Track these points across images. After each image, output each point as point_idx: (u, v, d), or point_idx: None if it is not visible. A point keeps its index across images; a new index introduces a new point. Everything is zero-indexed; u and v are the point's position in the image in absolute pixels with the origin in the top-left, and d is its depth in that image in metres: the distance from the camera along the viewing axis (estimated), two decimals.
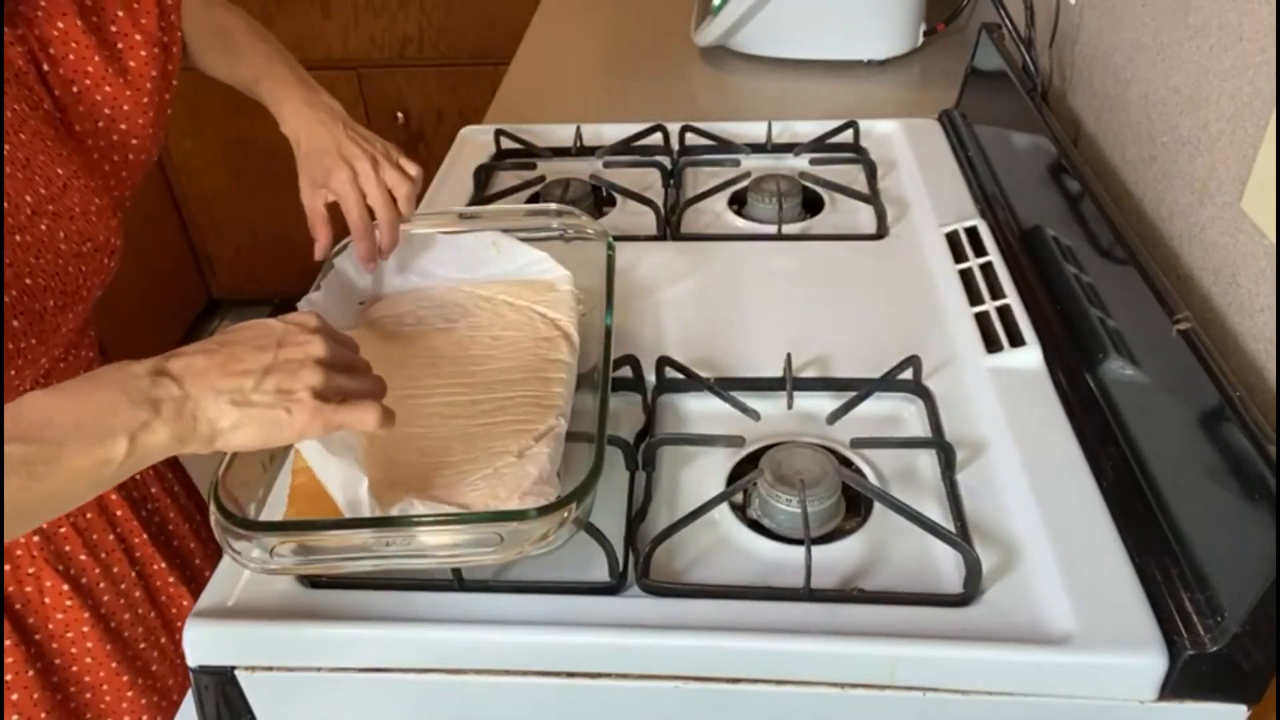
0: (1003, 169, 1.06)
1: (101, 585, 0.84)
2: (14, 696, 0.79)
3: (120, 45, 0.81)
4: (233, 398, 0.55)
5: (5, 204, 0.71)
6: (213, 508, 0.62)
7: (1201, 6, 0.81)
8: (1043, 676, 0.62)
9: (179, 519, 0.94)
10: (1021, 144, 1.04)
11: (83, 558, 0.83)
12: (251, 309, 2.75)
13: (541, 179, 1.13)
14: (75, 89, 0.79)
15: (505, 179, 1.17)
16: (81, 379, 0.55)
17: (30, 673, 0.80)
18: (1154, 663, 0.60)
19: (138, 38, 0.82)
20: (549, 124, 1.26)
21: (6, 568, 0.79)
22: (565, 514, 0.61)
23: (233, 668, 0.67)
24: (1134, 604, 0.63)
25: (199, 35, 0.90)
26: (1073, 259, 0.87)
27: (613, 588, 0.67)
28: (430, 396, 0.76)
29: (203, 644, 0.67)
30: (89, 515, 0.83)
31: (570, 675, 0.65)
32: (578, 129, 1.22)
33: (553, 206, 0.96)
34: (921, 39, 1.50)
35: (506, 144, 1.21)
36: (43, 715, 0.81)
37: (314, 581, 0.68)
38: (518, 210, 1.04)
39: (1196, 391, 0.66)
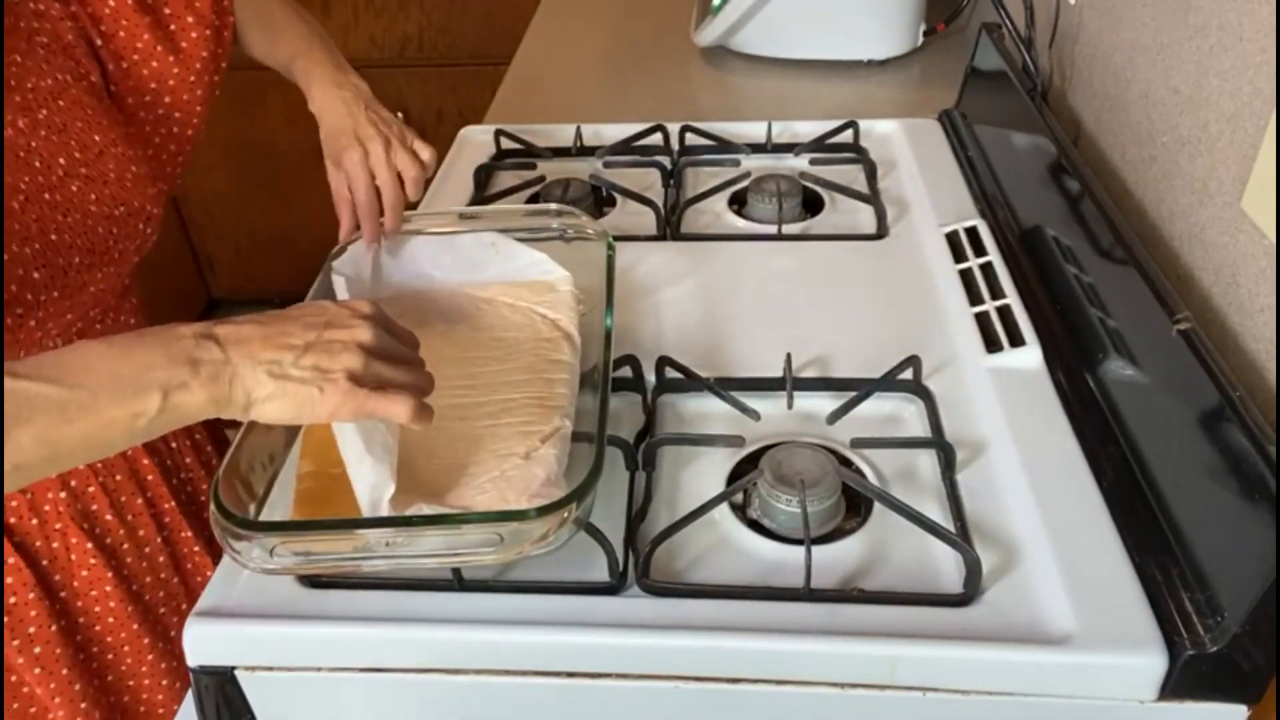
0: (1003, 169, 1.06)
1: (125, 547, 0.86)
2: (37, 650, 0.81)
3: (173, 26, 0.86)
4: (270, 369, 0.56)
5: (38, 164, 0.75)
6: (213, 507, 0.62)
7: (1201, 6, 0.81)
8: (1043, 676, 0.62)
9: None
10: (1021, 144, 1.04)
11: (109, 518, 0.84)
12: (251, 309, 2.74)
13: (541, 179, 1.13)
14: (125, 64, 0.84)
15: (505, 179, 1.17)
16: (131, 334, 0.56)
17: (54, 628, 0.81)
18: (1154, 663, 0.60)
19: (190, 19, 0.86)
20: (549, 124, 1.26)
21: (34, 522, 0.80)
22: (565, 514, 0.61)
23: (233, 668, 0.67)
24: (1134, 604, 0.63)
25: (246, 18, 0.92)
26: (1073, 259, 0.87)
27: (613, 588, 0.67)
28: (435, 399, 0.76)
29: (203, 644, 0.67)
30: (119, 478, 0.85)
31: (570, 675, 0.65)
32: (578, 129, 1.22)
33: (553, 206, 0.96)
34: (921, 39, 1.50)
35: (506, 144, 1.21)
36: (64, 670, 0.82)
37: (314, 581, 0.68)
38: (518, 210, 1.04)
39: (1196, 391, 0.66)
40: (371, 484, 0.64)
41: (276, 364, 0.57)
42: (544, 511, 0.61)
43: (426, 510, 0.64)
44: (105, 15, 0.82)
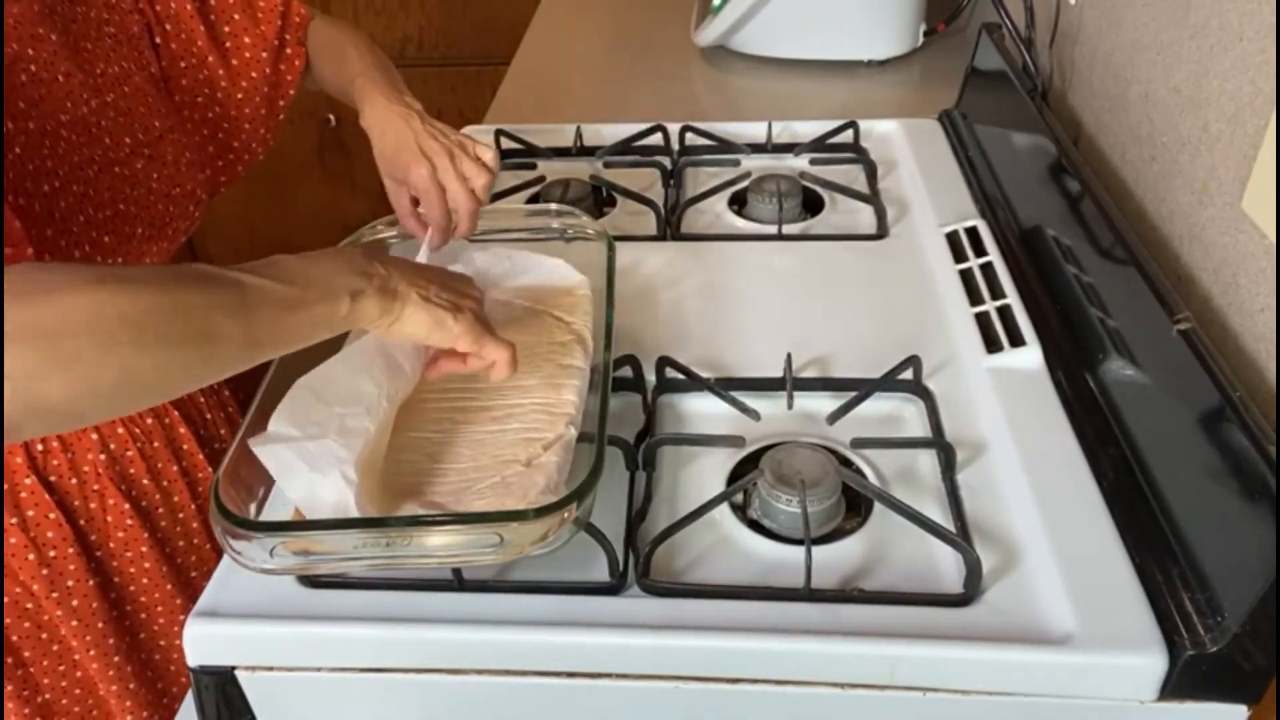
0: (1003, 169, 1.06)
1: (161, 510, 0.90)
2: (75, 603, 0.84)
3: (229, 44, 0.93)
4: (419, 291, 0.66)
5: (108, 140, 0.81)
6: (213, 507, 0.62)
7: (1201, 6, 0.81)
8: (1043, 676, 0.62)
9: None
10: (1021, 144, 1.04)
11: (145, 482, 0.88)
12: None
13: (541, 179, 1.13)
14: (182, 64, 0.91)
15: (505, 179, 1.17)
16: (314, 251, 0.65)
17: (91, 582, 0.85)
18: (1154, 663, 0.60)
19: (247, 39, 0.94)
20: (549, 124, 1.25)
21: (74, 481, 0.84)
22: (565, 514, 0.61)
23: (233, 668, 0.67)
24: (1134, 604, 0.63)
25: (318, 47, 0.98)
26: (1073, 259, 0.87)
27: (613, 588, 0.67)
28: (441, 401, 0.76)
29: (203, 644, 0.67)
30: (156, 444, 0.89)
31: (570, 675, 0.65)
32: (578, 129, 1.22)
33: (553, 206, 0.96)
34: (921, 39, 1.50)
35: (506, 144, 1.21)
36: (100, 624, 0.86)
37: (314, 581, 0.68)
38: (518, 210, 1.04)
39: (1196, 391, 0.66)
40: (332, 505, 0.63)
41: (423, 289, 0.66)
42: (543, 512, 0.61)
43: (422, 512, 0.64)
44: (169, 16, 0.89)
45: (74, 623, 0.84)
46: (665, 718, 0.67)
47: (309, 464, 0.63)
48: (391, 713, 0.69)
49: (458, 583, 0.68)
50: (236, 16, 0.93)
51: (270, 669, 0.67)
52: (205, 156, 0.92)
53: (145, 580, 0.88)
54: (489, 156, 0.87)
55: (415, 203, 0.86)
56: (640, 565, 0.67)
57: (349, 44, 0.96)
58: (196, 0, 0.91)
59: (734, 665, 0.64)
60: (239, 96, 0.94)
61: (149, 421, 0.88)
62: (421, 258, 0.85)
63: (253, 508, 0.68)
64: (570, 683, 0.65)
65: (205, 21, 0.91)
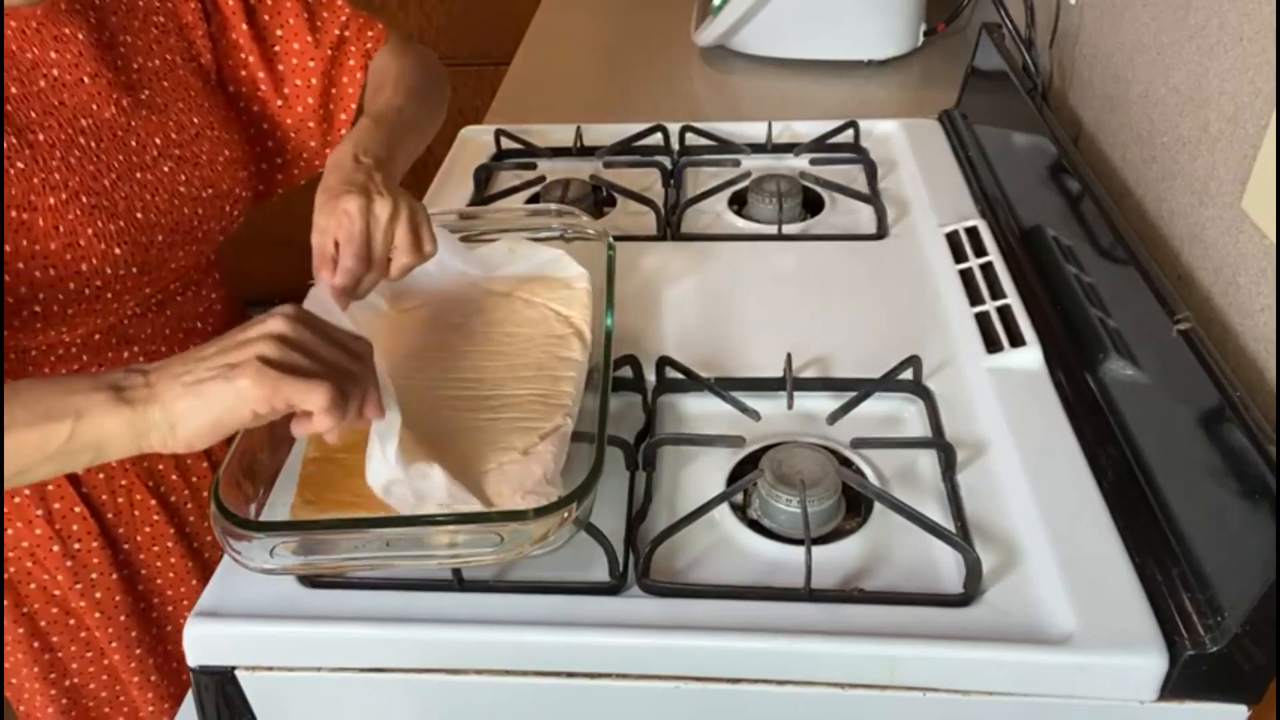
0: (1003, 169, 1.06)
1: (189, 506, 0.90)
2: (98, 595, 0.86)
3: (278, 49, 0.91)
4: (182, 379, 0.57)
5: (134, 143, 0.79)
6: (213, 507, 0.62)
7: (1201, 6, 0.81)
8: (1043, 676, 0.62)
9: None
10: (1021, 144, 1.04)
11: (174, 478, 0.89)
12: (251, 309, 2.75)
13: (542, 179, 1.13)
14: (229, 61, 0.89)
15: (505, 179, 1.17)
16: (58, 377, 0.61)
17: (115, 575, 0.86)
18: (1154, 663, 0.60)
19: (295, 46, 0.91)
20: (549, 124, 1.26)
21: (100, 477, 0.85)
22: (565, 514, 0.61)
23: (233, 668, 0.67)
24: (1134, 604, 0.63)
25: (373, 74, 0.94)
26: (1073, 259, 0.87)
27: (613, 588, 0.67)
28: (439, 389, 0.76)
29: (203, 644, 0.67)
30: None
31: (570, 675, 0.65)
32: (578, 129, 1.22)
33: (553, 206, 0.96)
34: (921, 39, 1.50)
35: (506, 144, 1.21)
36: (123, 617, 0.87)
37: (314, 581, 0.68)
38: (518, 210, 1.04)
39: (1196, 391, 0.66)
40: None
41: (188, 372, 0.57)
42: (544, 511, 0.61)
43: (436, 472, 0.63)
44: (216, 8, 0.87)
45: (97, 614, 0.85)
46: (665, 718, 0.67)
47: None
48: (392, 713, 0.69)
49: (458, 583, 0.68)
50: (291, 21, 0.91)
51: (270, 669, 0.67)
52: (248, 155, 0.89)
53: (171, 574, 0.89)
54: (428, 243, 0.75)
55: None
56: (640, 565, 0.67)
57: (390, 81, 0.90)
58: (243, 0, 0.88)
59: (734, 665, 0.64)
60: (279, 104, 0.92)
61: None
62: (314, 303, 0.71)
63: (253, 508, 0.68)
64: (570, 683, 0.65)
65: (250, 20, 0.89)
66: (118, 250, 0.76)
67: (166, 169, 0.81)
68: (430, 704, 0.68)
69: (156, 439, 0.57)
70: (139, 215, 0.78)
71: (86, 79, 0.77)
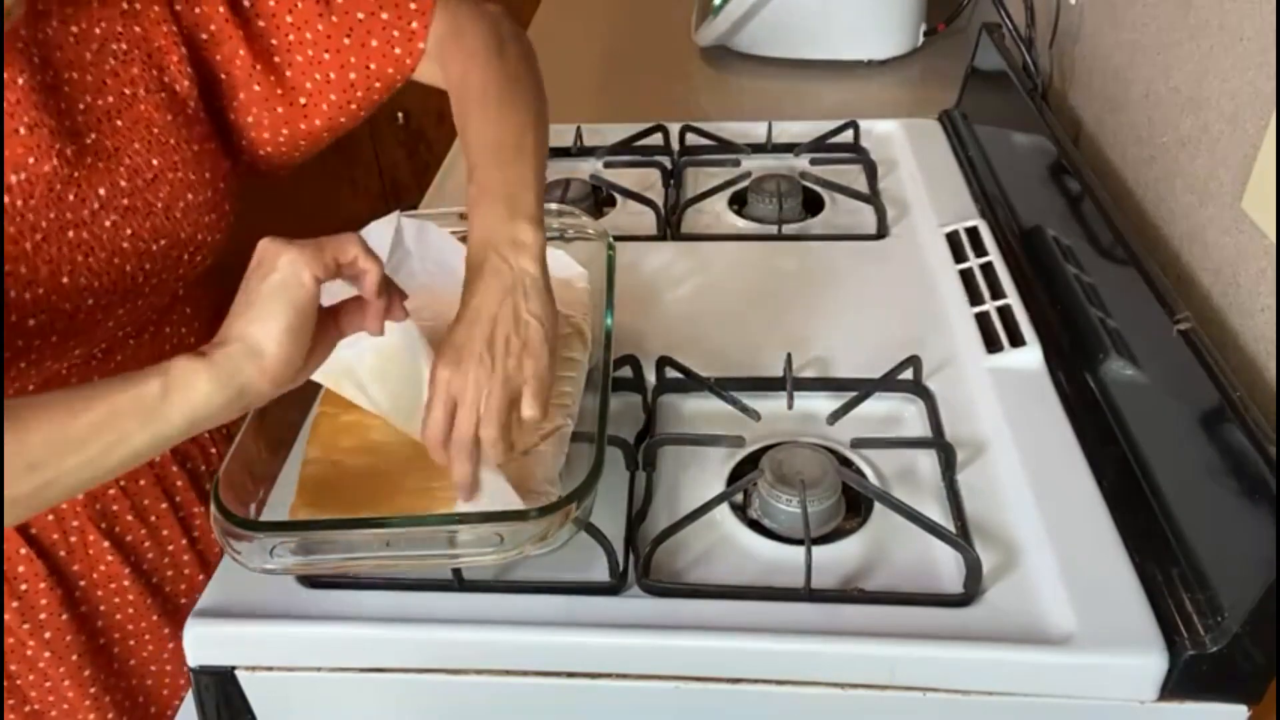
0: (1003, 169, 1.06)
1: (146, 545, 0.86)
2: (48, 635, 0.81)
3: (277, 51, 0.80)
4: (236, 310, 0.57)
5: (72, 197, 0.70)
6: (213, 507, 0.62)
7: (1201, 6, 0.81)
8: (1043, 676, 0.62)
9: None
10: (1022, 144, 1.04)
11: (129, 518, 0.84)
12: None
13: None
14: (221, 77, 0.79)
15: None
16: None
17: (64, 616, 0.82)
18: (1154, 663, 0.60)
19: (308, 35, 0.80)
20: (549, 124, 1.25)
21: (49, 518, 0.80)
22: (565, 514, 0.61)
23: (233, 668, 0.67)
24: (1134, 604, 0.63)
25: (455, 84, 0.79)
26: (1073, 259, 0.87)
27: (613, 588, 0.67)
28: None
29: (203, 644, 0.67)
30: (142, 482, 0.84)
31: (570, 675, 0.65)
32: (578, 129, 1.22)
33: (553, 206, 0.95)
34: (921, 39, 1.50)
35: None
36: (75, 656, 0.83)
37: (314, 581, 0.68)
38: None
39: (1196, 391, 0.66)
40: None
41: (236, 305, 0.57)
42: (544, 511, 0.61)
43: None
44: (206, 21, 0.78)
45: (48, 654, 0.82)
46: (665, 718, 0.67)
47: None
48: (391, 713, 0.69)
49: (458, 583, 0.68)
50: (300, 5, 0.79)
51: (270, 669, 0.67)
52: (220, 194, 0.79)
53: (131, 610, 0.85)
54: (530, 411, 0.64)
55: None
56: (640, 565, 0.67)
57: (471, 95, 0.76)
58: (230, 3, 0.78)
59: (734, 665, 0.64)
60: (293, 110, 0.82)
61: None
62: (379, 238, 0.74)
63: (253, 508, 0.68)
64: (570, 683, 0.65)
65: (247, 32, 0.79)
66: (31, 322, 0.68)
67: (109, 223, 0.72)
68: (430, 704, 0.68)
69: (252, 375, 0.55)
70: (64, 280, 0.70)
71: (23, 129, 0.68)
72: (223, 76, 0.80)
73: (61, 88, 0.71)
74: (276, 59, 0.81)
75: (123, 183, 0.73)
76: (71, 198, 0.70)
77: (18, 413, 0.52)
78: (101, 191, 0.72)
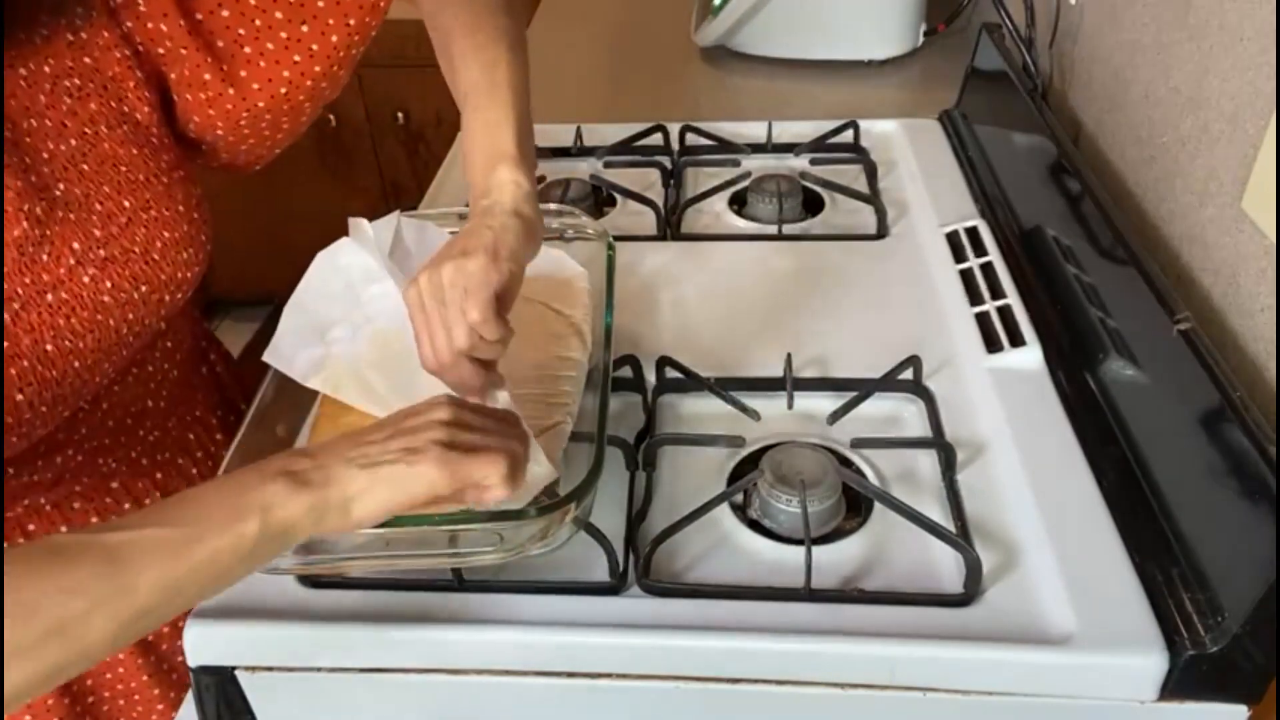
0: (1003, 169, 1.06)
1: None
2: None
3: (243, 72, 0.75)
4: (360, 462, 0.56)
5: (45, 257, 0.66)
6: None
7: (1201, 6, 0.81)
8: (1043, 676, 0.62)
9: None
10: (1022, 144, 1.04)
11: None
12: (251, 309, 2.75)
13: (542, 179, 1.13)
14: (188, 96, 0.75)
15: None
16: (218, 479, 0.56)
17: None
18: (1154, 663, 0.60)
19: (254, 52, 0.74)
20: (549, 124, 1.25)
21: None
22: (565, 514, 0.61)
23: (233, 668, 0.67)
24: (1134, 604, 0.63)
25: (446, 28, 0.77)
26: (1073, 259, 0.87)
27: (613, 588, 0.67)
28: (439, 388, 0.76)
29: (203, 644, 0.67)
30: (127, 506, 0.81)
31: (570, 675, 0.65)
32: (578, 129, 1.22)
33: (553, 206, 0.95)
34: (921, 39, 1.50)
35: None
36: (50, 701, 0.80)
37: (314, 581, 0.68)
38: None
39: (1196, 391, 0.66)
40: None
41: (364, 456, 0.56)
42: (543, 511, 0.61)
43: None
44: (158, 36, 0.72)
45: (27, 717, 0.79)
46: (665, 718, 0.67)
47: None
48: (391, 713, 0.69)
49: (458, 583, 0.68)
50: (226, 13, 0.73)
51: (270, 669, 0.67)
52: (196, 227, 0.76)
53: (121, 670, 0.83)
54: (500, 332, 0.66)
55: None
56: (640, 565, 0.67)
57: (454, 34, 0.75)
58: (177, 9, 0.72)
59: (734, 665, 0.64)
60: (241, 121, 0.77)
61: (125, 505, 0.81)
62: (381, 233, 0.74)
63: None
64: (570, 683, 0.65)
65: (192, 29, 0.72)
66: (19, 396, 0.65)
67: (87, 279, 0.67)
68: (430, 704, 0.68)
69: (332, 521, 0.56)
70: (49, 347, 0.66)
71: None
72: (173, 77, 0.74)
73: (22, 140, 0.66)
74: (222, 43, 0.74)
75: (97, 232, 0.69)
76: (45, 258, 0.66)
77: (130, 553, 0.50)
78: (76, 245, 0.67)
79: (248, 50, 0.74)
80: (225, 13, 0.73)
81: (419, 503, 0.57)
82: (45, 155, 0.67)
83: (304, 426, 0.76)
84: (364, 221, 0.77)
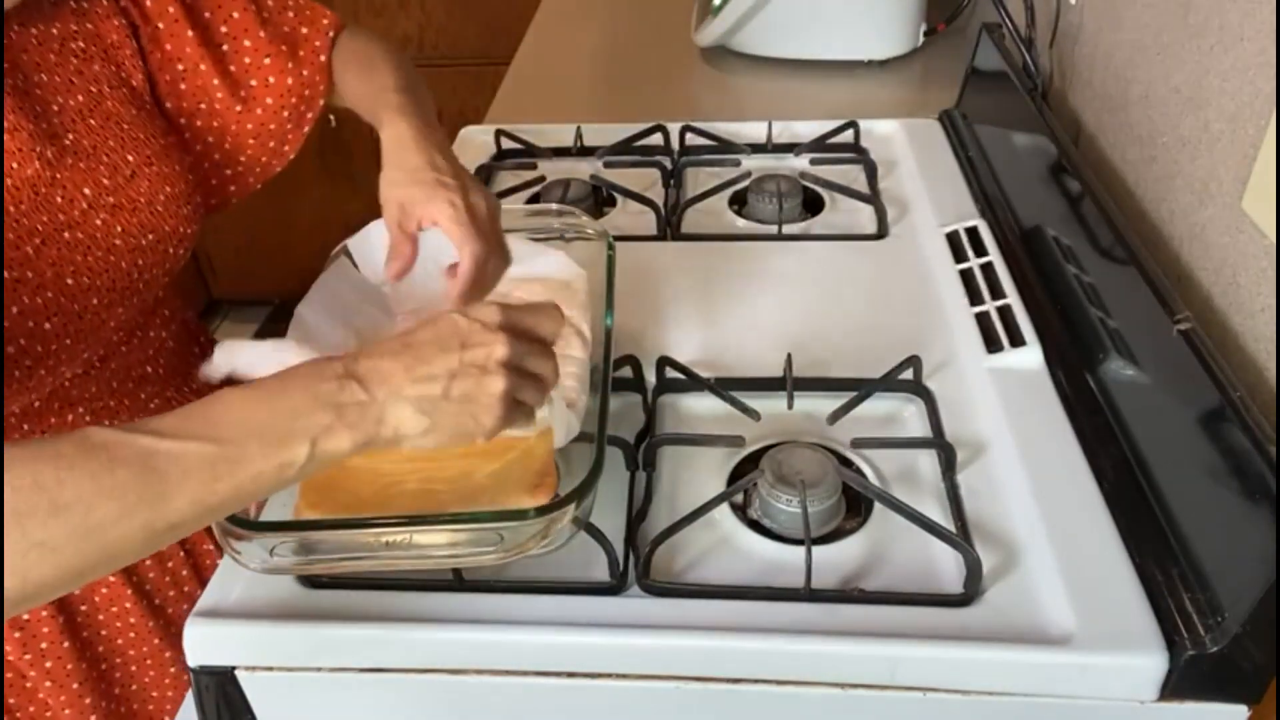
0: (1003, 169, 1.06)
1: (147, 562, 0.85)
2: (48, 664, 0.81)
3: (226, 48, 0.83)
4: (419, 405, 0.54)
5: (59, 198, 0.71)
6: None
7: (1201, 6, 0.81)
8: (1043, 676, 0.62)
9: None
10: (1022, 144, 1.04)
11: None
12: (251, 309, 2.76)
13: (542, 179, 1.14)
14: (179, 67, 0.81)
15: (506, 179, 1.17)
16: (275, 378, 0.54)
17: (66, 644, 0.81)
18: (1154, 663, 0.60)
19: (247, 43, 0.83)
20: (549, 124, 1.25)
21: None
22: (565, 514, 0.61)
23: (233, 668, 0.67)
24: (1134, 604, 0.63)
25: (343, 62, 0.87)
26: (1073, 259, 0.87)
27: (613, 588, 0.67)
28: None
29: (203, 644, 0.67)
30: None
31: (570, 675, 0.65)
32: (578, 129, 1.22)
33: (553, 206, 0.95)
34: (921, 39, 1.50)
35: (507, 144, 1.21)
36: (75, 685, 0.82)
37: (314, 581, 0.68)
38: (518, 210, 1.04)
39: (1197, 391, 0.66)
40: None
41: (425, 399, 0.54)
42: (544, 511, 0.61)
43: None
44: (157, 14, 0.80)
45: (48, 683, 0.81)
46: (665, 718, 0.67)
47: None
48: (391, 713, 0.69)
49: (458, 583, 0.68)
50: (237, 15, 0.83)
51: (270, 669, 0.67)
52: (191, 186, 0.81)
53: (132, 635, 0.85)
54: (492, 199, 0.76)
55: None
56: (640, 565, 0.67)
57: (376, 56, 0.86)
58: (182, 3, 0.81)
59: (734, 665, 0.64)
60: (238, 109, 0.84)
61: None
62: (375, 241, 0.79)
63: (252, 508, 0.68)
64: (570, 683, 0.65)
65: (194, 24, 0.81)
66: (47, 325, 0.68)
67: (99, 221, 0.73)
68: (430, 704, 0.68)
69: (380, 448, 0.55)
70: (69, 281, 0.70)
71: (5, 136, 0.69)
72: (180, 68, 0.81)
73: (33, 91, 0.71)
74: (225, 47, 0.83)
75: (105, 180, 0.73)
76: (59, 199, 0.71)
77: (168, 466, 0.49)
78: (87, 191, 0.72)
79: (238, 52, 0.83)
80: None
81: (468, 443, 0.57)
82: (56, 108, 0.72)
83: None
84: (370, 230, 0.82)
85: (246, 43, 0.83)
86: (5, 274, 0.67)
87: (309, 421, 0.52)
